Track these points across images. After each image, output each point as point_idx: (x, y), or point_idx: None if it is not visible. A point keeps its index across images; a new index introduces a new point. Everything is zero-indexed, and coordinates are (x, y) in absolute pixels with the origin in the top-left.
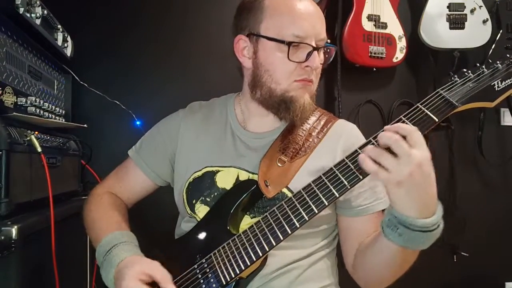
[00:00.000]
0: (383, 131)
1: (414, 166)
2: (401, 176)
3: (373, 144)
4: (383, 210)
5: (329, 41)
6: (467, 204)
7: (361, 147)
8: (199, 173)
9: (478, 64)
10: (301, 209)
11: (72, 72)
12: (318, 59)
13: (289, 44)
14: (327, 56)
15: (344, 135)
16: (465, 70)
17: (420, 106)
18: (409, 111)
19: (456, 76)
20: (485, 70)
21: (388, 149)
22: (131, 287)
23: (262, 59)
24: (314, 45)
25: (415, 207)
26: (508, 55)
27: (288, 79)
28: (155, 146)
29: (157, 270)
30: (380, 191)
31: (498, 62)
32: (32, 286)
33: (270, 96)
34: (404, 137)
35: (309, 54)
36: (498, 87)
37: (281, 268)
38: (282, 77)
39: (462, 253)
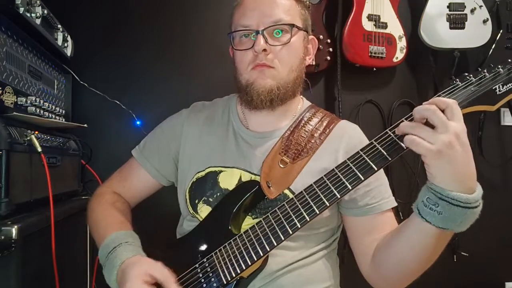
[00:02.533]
0: (386, 132)
1: (452, 135)
2: (440, 145)
3: (373, 146)
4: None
5: (293, 23)
6: None
7: (363, 149)
8: (202, 173)
9: (479, 68)
10: (302, 210)
11: (72, 72)
12: (261, 41)
13: (230, 34)
14: (290, 36)
15: (346, 136)
16: (466, 74)
17: None
18: (410, 114)
19: (457, 79)
20: (486, 74)
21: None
22: None
23: (232, 56)
24: (256, 28)
25: (457, 179)
26: (509, 60)
27: (247, 68)
28: (159, 145)
29: (160, 271)
30: (385, 191)
31: (499, 66)
32: (32, 286)
33: (239, 88)
34: (442, 111)
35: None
36: (499, 91)
37: (283, 269)
38: (242, 68)
39: (462, 253)
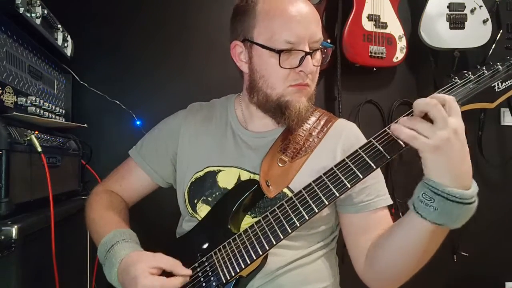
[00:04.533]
0: (385, 130)
1: (451, 131)
2: (438, 141)
3: (372, 144)
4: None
5: (329, 41)
6: None
7: (361, 147)
8: (201, 173)
9: (478, 66)
10: (301, 209)
11: (72, 72)
12: (311, 63)
13: (279, 52)
14: (324, 56)
15: (344, 135)
16: (465, 71)
17: None
18: (409, 111)
19: (456, 77)
20: (485, 71)
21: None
22: (148, 284)
23: (256, 65)
24: (307, 49)
25: (453, 175)
26: (508, 57)
27: (283, 84)
28: (157, 146)
29: (164, 260)
30: (381, 188)
31: (498, 63)
32: (32, 286)
33: (267, 101)
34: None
35: (302, 59)
36: (498, 88)
37: (282, 268)
38: (277, 83)
39: (462, 253)
